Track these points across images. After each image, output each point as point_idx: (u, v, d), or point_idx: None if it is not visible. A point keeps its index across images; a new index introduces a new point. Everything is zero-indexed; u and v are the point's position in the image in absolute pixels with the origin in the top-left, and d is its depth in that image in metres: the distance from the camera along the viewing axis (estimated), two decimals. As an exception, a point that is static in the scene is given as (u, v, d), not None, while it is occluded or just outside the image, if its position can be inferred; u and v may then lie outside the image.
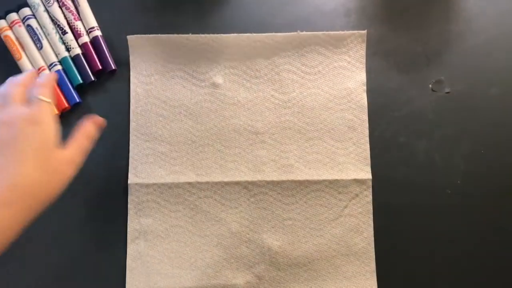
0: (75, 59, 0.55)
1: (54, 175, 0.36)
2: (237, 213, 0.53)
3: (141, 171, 0.54)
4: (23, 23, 0.55)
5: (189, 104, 0.55)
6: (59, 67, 0.54)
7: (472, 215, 0.53)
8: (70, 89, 0.54)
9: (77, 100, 0.54)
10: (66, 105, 0.54)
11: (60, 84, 0.54)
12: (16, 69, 0.55)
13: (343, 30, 0.56)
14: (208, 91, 0.55)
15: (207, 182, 0.54)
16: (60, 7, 0.55)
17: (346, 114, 0.55)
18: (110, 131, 0.52)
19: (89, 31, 0.55)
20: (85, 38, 0.55)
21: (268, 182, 0.53)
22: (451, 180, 0.54)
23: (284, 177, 0.53)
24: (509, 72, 0.56)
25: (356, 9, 0.57)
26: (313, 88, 0.55)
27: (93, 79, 0.55)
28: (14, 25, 0.55)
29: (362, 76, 0.55)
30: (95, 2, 0.56)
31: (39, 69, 0.54)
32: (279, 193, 0.53)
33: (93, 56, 0.55)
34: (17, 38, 0.55)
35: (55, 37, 0.54)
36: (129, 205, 0.53)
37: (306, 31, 0.56)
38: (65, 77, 0.54)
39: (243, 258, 0.53)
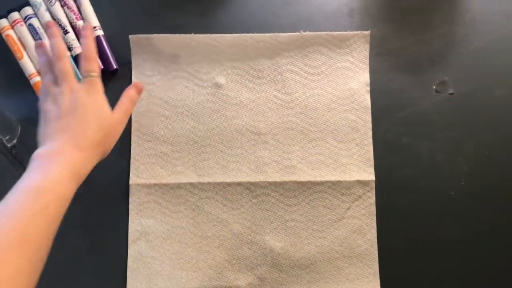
0: (76, 58, 0.54)
1: (109, 132, 0.45)
2: (239, 214, 0.53)
3: (142, 171, 0.53)
4: (25, 22, 0.55)
5: (191, 104, 0.55)
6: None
7: (475, 217, 0.53)
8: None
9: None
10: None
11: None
12: (17, 68, 0.54)
13: (346, 31, 0.56)
14: (210, 91, 0.55)
15: (209, 183, 0.53)
16: (62, 6, 0.55)
17: (349, 115, 0.54)
18: (112, 131, 0.51)
19: (91, 30, 0.55)
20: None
21: (270, 183, 0.53)
22: (454, 182, 0.54)
23: (286, 178, 0.53)
24: (513, 73, 0.55)
25: (359, 9, 0.57)
26: (316, 89, 0.55)
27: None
28: (15, 24, 0.54)
29: (365, 77, 0.55)
30: (98, 1, 0.56)
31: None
32: (282, 194, 0.53)
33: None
34: (19, 38, 0.54)
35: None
36: (130, 206, 0.53)
37: (309, 31, 0.55)
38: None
39: (245, 259, 0.52)
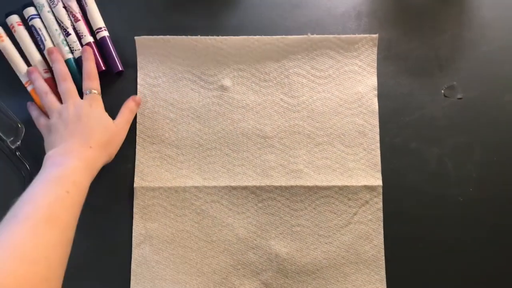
0: (78, 60, 0.54)
1: (113, 137, 0.49)
2: (245, 218, 0.52)
3: (147, 174, 0.53)
4: (27, 22, 0.54)
5: (197, 106, 0.54)
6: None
7: (484, 224, 0.52)
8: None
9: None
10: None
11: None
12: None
13: (354, 34, 0.55)
14: (216, 93, 0.54)
15: (214, 187, 0.53)
16: (64, 7, 0.54)
17: (357, 119, 0.54)
18: (117, 134, 0.51)
19: (96, 31, 0.54)
20: (89, 38, 0.54)
21: (276, 187, 0.52)
22: (463, 188, 0.53)
23: (292, 183, 0.52)
24: (523, 78, 0.55)
25: (367, 12, 0.56)
26: (323, 92, 0.54)
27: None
28: (12, 28, 0.53)
29: (373, 81, 0.55)
30: (103, 2, 0.55)
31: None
32: (288, 199, 0.52)
33: (97, 57, 0.54)
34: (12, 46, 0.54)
35: (59, 38, 0.53)
36: (134, 209, 0.52)
37: (316, 34, 0.55)
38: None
39: (250, 264, 0.52)
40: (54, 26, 0.54)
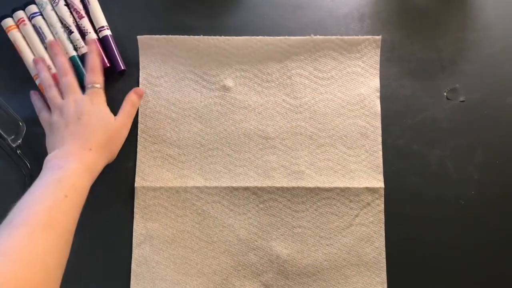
0: (82, 58, 0.54)
1: (114, 135, 0.48)
2: (246, 219, 0.52)
3: (148, 174, 0.53)
4: (29, 20, 0.54)
5: (199, 107, 0.54)
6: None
7: (485, 226, 0.52)
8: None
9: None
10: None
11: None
12: (23, 68, 0.54)
13: (357, 35, 0.55)
14: (218, 94, 0.54)
15: (216, 187, 0.52)
16: (66, 5, 0.54)
17: (359, 121, 0.54)
18: (118, 133, 0.50)
19: (99, 30, 0.54)
20: (93, 35, 0.54)
21: (277, 189, 0.52)
22: (465, 191, 0.53)
23: (294, 184, 0.52)
24: (525, 81, 0.55)
25: (370, 14, 0.56)
26: (325, 94, 0.54)
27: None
28: (20, 23, 0.53)
29: (375, 82, 0.54)
30: (106, 1, 0.55)
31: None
32: (289, 200, 0.52)
33: (101, 55, 0.53)
34: (23, 37, 0.53)
35: (63, 35, 0.53)
36: (135, 209, 0.52)
37: (319, 35, 0.55)
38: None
39: (251, 266, 0.51)
40: (58, 24, 0.53)
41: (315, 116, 0.54)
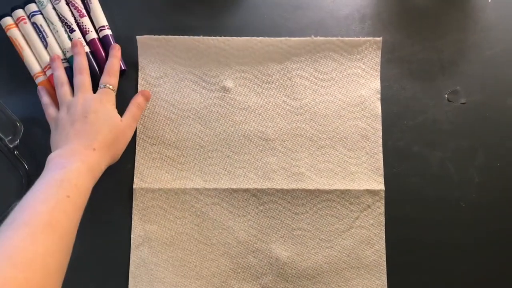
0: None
1: (119, 136, 0.48)
2: (245, 221, 0.52)
3: (147, 175, 0.52)
4: (29, 19, 0.53)
5: (198, 108, 0.54)
6: (65, 65, 0.53)
7: (486, 229, 0.52)
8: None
9: None
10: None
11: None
12: (21, 68, 0.53)
13: (357, 37, 0.55)
14: (218, 95, 0.54)
15: (215, 189, 0.52)
16: (67, 4, 0.54)
17: (359, 123, 0.53)
18: (117, 134, 0.50)
19: (99, 30, 0.54)
20: (94, 35, 0.53)
21: (277, 190, 0.52)
22: (465, 193, 0.52)
23: (294, 186, 0.52)
24: (526, 83, 0.54)
25: (371, 15, 0.56)
26: (326, 95, 0.54)
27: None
28: (20, 22, 0.53)
29: (376, 84, 0.54)
30: (105, 1, 0.55)
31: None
32: (289, 202, 0.52)
33: (101, 54, 0.53)
34: (23, 36, 0.53)
35: (64, 34, 0.53)
36: (133, 210, 0.52)
37: (320, 36, 0.54)
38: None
39: (250, 268, 0.51)
40: (59, 23, 0.53)
41: (316, 117, 0.53)
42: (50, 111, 0.50)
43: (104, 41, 0.54)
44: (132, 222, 0.52)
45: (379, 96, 0.54)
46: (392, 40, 0.55)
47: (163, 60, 0.54)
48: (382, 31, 0.55)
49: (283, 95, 0.54)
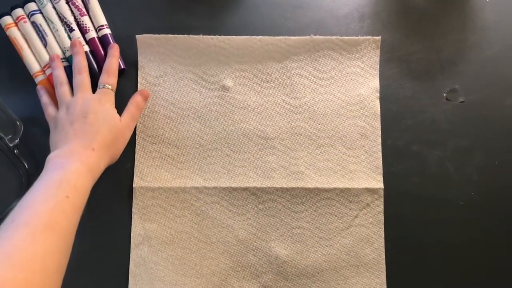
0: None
1: (118, 136, 0.48)
2: (245, 220, 0.52)
3: (146, 174, 0.52)
4: (28, 18, 0.53)
5: (198, 107, 0.54)
6: (65, 64, 0.53)
7: (485, 227, 0.52)
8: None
9: None
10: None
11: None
12: (20, 67, 0.53)
13: (357, 36, 0.55)
14: (217, 94, 0.54)
15: (215, 188, 0.52)
16: (67, 3, 0.54)
17: (359, 121, 0.53)
18: (117, 133, 0.50)
19: (98, 29, 0.54)
20: (93, 34, 0.53)
21: (277, 189, 0.52)
22: (464, 192, 0.53)
23: (293, 184, 0.52)
24: (525, 82, 0.55)
25: (370, 14, 0.56)
26: (325, 94, 0.54)
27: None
28: (19, 21, 0.53)
29: (375, 83, 0.54)
30: (106, 1, 0.55)
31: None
32: (288, 201, 0.52)
33: (101, 53, 0.53)
34: (23, 35, 0.53)
35: (64, 34, 0.53)
36: (133, 209, 0.52)
37: (319, 35, 0.54)
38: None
39: (250, 266, 0.51)
40: (59, 21, 0.53)
41: (315, 116, 0.54)
42: (50, 110, 0.50)
43: (103, 40, 0.54)
44: (132, 221, 0.52)
45: (378, 95, 0.54)
46: (391, 39, 0.55)
47: (163, 59, 0.54)
48: (381, 30, 0.56)
49: (282, 94, 0.54)
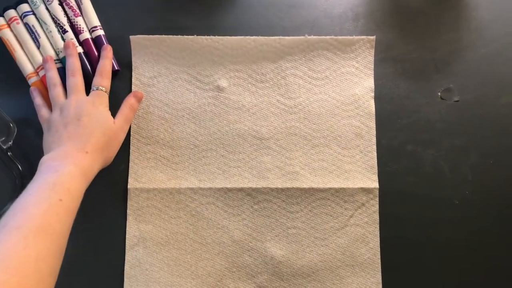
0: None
1: (111, 138, 0.48)
2: (240, 220, 0.52)
3: (141, 175, 0.52)
4: (21, 20, 0.53)
5: (192, 107, 0.54)
6: (58, 65, 0.53)
7: (480, 226, 0.52)
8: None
9: None
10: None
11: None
12: (14, 69, 0.53)
13: (351, 35, 0.55)
14: (212, 94, 0.54)
15: (210, 188, 0.52)
16: (60, 4, 0.53)
17: (353, 121, 0.53)
18: (111, 134, 0.50)
19: (91, 30, 0.54)
20: (86, 35, 0.53)
21: (272, 189, 0.52)
22: (459, 191, 0.53)
23: (288, 185, 0.52)
24: (519, 81, 0.55)
25: (364, 14, 0.56)
26: (319, 94, 0.54)
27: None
28: (12, 22, 0.53)
29: (370, 83, 0.54)
30: (100, 1, 0.55)
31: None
32: (284, 201, 0.52)
33: (95, 54, 0.53)
34: (15, 36, 0.53)
35: (57, 35, 0.53)
36: (128, 211, 0.52)
37: (313, 35, 0.54)
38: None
39: (246, 267, 0.51)
40: (52, 22, 0.53)
41: (310, 116, 0.53)
42: (43, 112, 0.50)
43: (97, 41, 0.54)
44: (127, 222, 0.51)
45: (372, 94, 0.54)
46: (386, 39, 0.55)
47: (157, 60, 0.54)
48: (376, 30, 0.56)
49: (277, 94, 0.54)
